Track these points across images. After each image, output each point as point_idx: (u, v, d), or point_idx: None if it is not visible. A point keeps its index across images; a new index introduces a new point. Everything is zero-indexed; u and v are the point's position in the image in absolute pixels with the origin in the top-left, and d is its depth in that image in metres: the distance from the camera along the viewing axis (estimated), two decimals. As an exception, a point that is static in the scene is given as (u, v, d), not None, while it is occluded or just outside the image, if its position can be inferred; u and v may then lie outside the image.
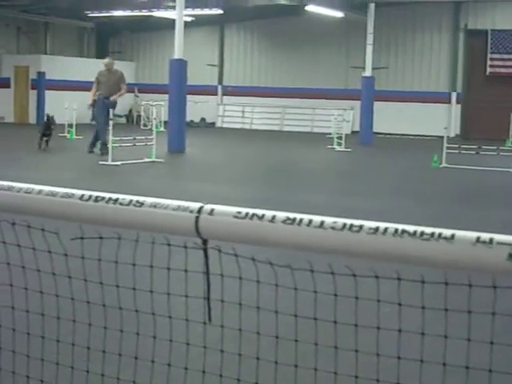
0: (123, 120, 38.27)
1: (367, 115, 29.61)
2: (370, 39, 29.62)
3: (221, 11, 32.84)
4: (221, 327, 2.87)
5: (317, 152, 25.74)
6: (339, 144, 26.47)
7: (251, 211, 2.37)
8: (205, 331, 3.01)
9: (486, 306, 2.51)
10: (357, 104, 31.43)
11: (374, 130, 30.27)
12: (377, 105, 30.53)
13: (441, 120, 32.76)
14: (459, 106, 34.57)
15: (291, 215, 2.31)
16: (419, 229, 2.15)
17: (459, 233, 2.12)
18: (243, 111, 38.13)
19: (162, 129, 28.60)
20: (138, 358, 3.24)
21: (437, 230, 2.13)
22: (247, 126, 37.58)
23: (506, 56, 33.43)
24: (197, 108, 35.25)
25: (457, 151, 21.75)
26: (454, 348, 3.28)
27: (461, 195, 16.24)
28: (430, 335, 2.75)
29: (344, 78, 35.93)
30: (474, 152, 22.12)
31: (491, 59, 33.76)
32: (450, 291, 2.33)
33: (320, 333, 3.07)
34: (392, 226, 2.19)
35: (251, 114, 37.98)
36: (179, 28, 22.99)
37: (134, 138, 20.56)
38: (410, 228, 2.16)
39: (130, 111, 39.70)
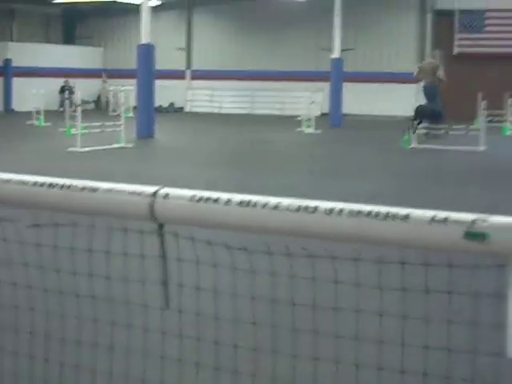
0: (92, 106, 38.04)
1: (336, 97, 29.61)
2: (337, 21, 29.57)
3: (188, -5, 32.68)
4: (179, 312, 2.84)
5: (286, 135, 25.72)
6: (309, 126, 26.48)
7: (206, 194, 2.34)
8: (163, 317, 2.97)
9: (444, 284, 2.50)
10: (326, 86, 31.39)
11: (344, 111, 30.28)
12: (346, 86, 30.52)
13: (409, 100, 32.83)
14: (428, 86, 34.62)
15: (246, 198, 2.28)
16: (374, 209, 2.13)
17: (414, 212, 2.10)
18: (212, 95, 38.01)
19: (131, 114, 28.44)
20: (97, 345, 3.21)
21: (392, 210, 2.11)
22: (216, 110, 37.46)
23: (473, 35, 33.58)
24: (165, 92, 35.05)
25: (426, 131, 21.85)
26: (413, 328, 3.27)
27: (429, 174, 16.30)
28: (390, 315, 2.73)
29: (313, 59, 35.88)
30: (442, 132, 22.23)
31: (459, 39, 33.90)
32: (407, 270, 2.31)
33: (278, 315, 3.05)
34: (347, 206, 2.17)
35: (220, 98, 37.86)
36: (145, 12, 22.87)
37: (103, 124, 20.45)
38: (365, 208, 2.14)
39: (99, 97, 39.48)
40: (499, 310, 2.03)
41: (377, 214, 2.12)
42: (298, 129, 26.70)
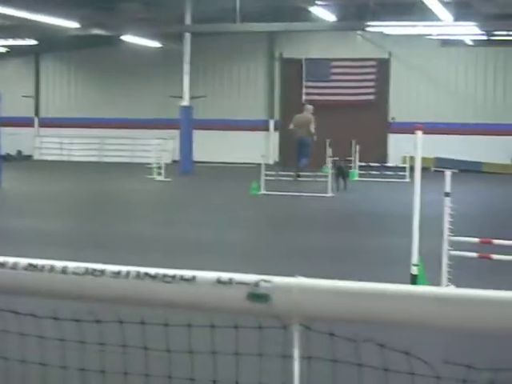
0: None
1: (186, 144, 29.66)
2: (186, 68, 29.71)
3: (35, 41, 32.13)
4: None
5: (136, 182, 25.57)
6: (159, 174, 26.42)
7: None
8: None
9: (230, 345, 2.48)
10: (177, 133, 31.43)
11: (195, 158, 30.36)
12: (196, 133, 30.65)
13: (260, 147, 33.32)
14: (277, 133, 35.24)
15: (33, 261, 2.20)
16: (161, 271, 2.10)
17: (200, 274, 2.08)
18: (61, 143, 37.44)
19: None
20: None
21: (178, 272, 2.08)
22: (66, 158, 36.87)
23: (320, 84, 34.42)
24: (13, 140, 34.27)
25: (275, 178, 22.16)
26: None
27: (277, 221, 16.51)
28: (176, 378, 2.69)
29: (163, 107, 35.88)
30: (291, 178, 22.60)
31: (306, 87, 34.67)
32: (193, 332, 2.28)
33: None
34: (134, 269, 2.13)
35: (69, 146, 37.34)
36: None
37: None
38: (152, 270, 2.11)
39: None
40: (285, 370, 2.02)
41: (164, 276, 2.09)
42: (149, 176, 26.59)
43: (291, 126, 27.51)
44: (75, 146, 37.20)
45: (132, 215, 17.09)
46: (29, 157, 37.55)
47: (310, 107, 28.32)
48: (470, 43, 32.28)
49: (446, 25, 26.65)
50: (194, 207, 18.71)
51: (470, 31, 29.33)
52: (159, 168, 26.54)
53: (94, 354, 2.77)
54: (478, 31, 29.09)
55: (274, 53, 35.34)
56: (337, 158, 24.03)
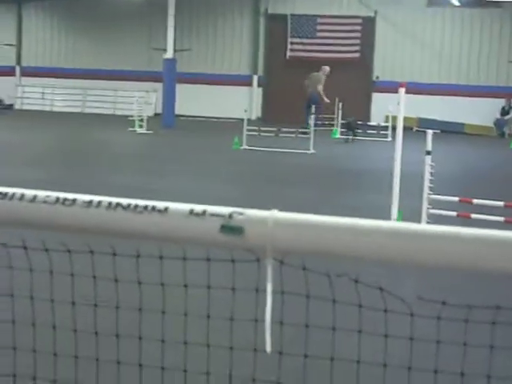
0: None
1: (169, 97, 29.48)
2: (171, 21, 29.42)
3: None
4: None
5: (118, 134, 25.44)
6: (141, 126, 26.28)
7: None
8: None
9: (203, 279, 2.45)
10: (160, 86, 31.23)
11: (177, 112, 30.20)
12: (179, 87, 30.46)
13: (243, 102, 33.15)
14: (260, 89, 35.10)
15: (3, 190, 2.15)
16: (133, 202, 2.05)
17: (173, 205, 2.03)
18: (43, 93, 37.13)
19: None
20: None
21: (150, 203, 2.03)
22: (48, 108, 36.63)
23: (305, 40, 34.22)
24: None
25: (257, 133, 22.09)
26: (171, 323, 3.22)
27: (257, 175, 16.49)
28: (147, 310, 2.66)
29: (146, 59, 35.64)
30: (273, 134, 22.53)
31: (291, 43, 34.48)
32: (165, 264, 2.24)
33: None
34: (106, 199, 2.08)
35: (52, 96, 37.03)
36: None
37: None
38: (124, 201, 2.06)
39: None
40: (258, 304, 1.99)
41: (135, 207, 2.04)
42: (131, 128, 26.43)
43: (306, 83, 28.99)
44: (57, 96, 36.90)
45: (113, 166, 17.01)
46: (10, 106, 37.22)
47: (325, 68, 29.02)
48: (457, 4, 32.12)
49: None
50: (174, 160, 18.64)
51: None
52: (141, 121, 26.39)
53: (63, 284, 2.73)
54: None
55: (259, 8, 35.05)
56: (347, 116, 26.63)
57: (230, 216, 1.94)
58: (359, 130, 26.73)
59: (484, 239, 1.84)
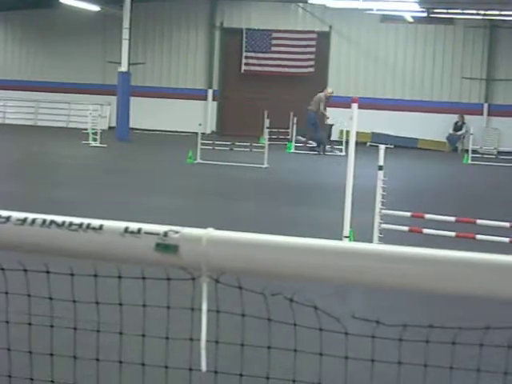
0: None
1: (123, 111, 29.36)
2: (126, 34, 29.35)
3: (-29, 0, 31.46)
4: None
5: (71, 147, 25.26)
6: (94, 140, 26.11)
7: None
8: None
9: (136, 296, 2.43)
10: (114, 99, 31.09)
11: (131, 125, 30.10)
12: (134, 100, 30.37)
13: (197, 116, 33.12)
14: (215, 102, 35.10)
15: None
16: (68, 219, 2.03)
17: (108, 223, 2.01)
18: (-5, 105, 36.78)
19: None
20: None
21: (85, 221, 2.02)
22: (0, 121, 36.25)
23: (259, 55, 34.29)
24: None
25: (211, 147, 22.07)
26: (106, 341, 3.20)
27: (210, 189, 16.47)
28: (82, 329, 2.64)
29: (101, 72, 35.47)
30: (227, 148, 22.53)
31: (246, 57, 34.53)
32: (100, 282, 2.23)
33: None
34: (40, 216, 2.05)
35: (3, 108, 36.67)
36: None
37: None
38: (59, 218, 2.04)
39: None
40: (193, 322, 1.98)
41: (70, 224, 2.02)
42: (84, 142, 26.26)
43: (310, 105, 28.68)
44: (9, 108, 36.54)
45: (64, 180, 16.87)
46: (-40, 117, 36.75)
47: (328, 89, 29.04)
48: (410, 20, 32.45)
49: (387, 0, 26.77)
50: (127, 173, 18.56)
51: (410, 7, 29.52)
52: (95, 134, 26.24)
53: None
54: (418, 8, 29.30)
55: (214, 22, 35.08)
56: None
57: (165, 234, 1.94)
58: (328, 146, 27.15)
59: (430, 259, 1.84)
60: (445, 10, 30.01)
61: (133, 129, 30.46)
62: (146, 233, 1.96)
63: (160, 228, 1.96)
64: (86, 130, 27.34)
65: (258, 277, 1.84)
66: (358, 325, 1.99)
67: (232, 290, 2.09)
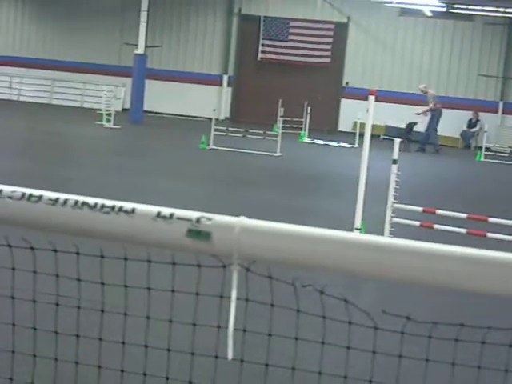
0: None
1: (138, 93, 29.34)
2: (143, 17, 29.32)
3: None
4: None
5: (85, 128, 25.26)
6: (108, 121, 26.11)
7: None
8: None
9: (167, 283, 2.43)
10: (129, 81, 31.08)
11: (145, 108, 30.08)
12: (149, 83, 30.35)
13: (212, 102, 33.07)
14: (230, 89, 35.05)
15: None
16: (100, 201, 2.02)
17: (140, 206, 2.01)
18: (11, 82, 36.75)
19: None
20: None
21: (118, 203, 2.01)
22: (15, 98, 36.27)
23: (276, 43, 34.20)
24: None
25: (224, 133, 22.04)
26: (133, 325, 3.20)
27: (221, 176, 16.44)
28: (113, 311, 2.63)
29: (117, 54, 35.44)
30: (241, 135, 22.49)
31: (263, 45, 34.44)
32: (129, 266, 2.22)
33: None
34: (72, 197, 2.05)
35: (19, 86, 36.68)
36: None
37: None
38: (91, 200, 2.03)
39: None
40: (222, 310, 1.98)
41: (102, 207, 2.01)
42: (98, 122, 26.27)
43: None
44: (25, 86, 36.55)
45: (78, 160, 16.89)
46: (-24, 94, 36.80)
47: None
48: (429, 14, 32.30)
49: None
50: (140, 156, 18.56)
51: (429, 1, 29.39)
52: (109, 115, 26.23)
53: (24, 281, 2.69)
54: (438, 2, 29.17)
55: (232, 8, 34.98)
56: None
57: (198, 221, 1.93)
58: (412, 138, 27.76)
59: (446, 255, 1.83)
60: (464, 6, 29.87)
61: (146, 111, 30.44)
62: (179, 218, 1.95)
63: (192, 214, 1.95)
64: (100, 110, 27.35)
65: (289, 267, 1.83)
66: (387, 320, 1.99)
67: (262, 280, 2.08)
